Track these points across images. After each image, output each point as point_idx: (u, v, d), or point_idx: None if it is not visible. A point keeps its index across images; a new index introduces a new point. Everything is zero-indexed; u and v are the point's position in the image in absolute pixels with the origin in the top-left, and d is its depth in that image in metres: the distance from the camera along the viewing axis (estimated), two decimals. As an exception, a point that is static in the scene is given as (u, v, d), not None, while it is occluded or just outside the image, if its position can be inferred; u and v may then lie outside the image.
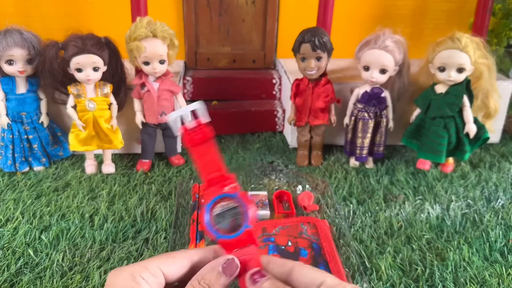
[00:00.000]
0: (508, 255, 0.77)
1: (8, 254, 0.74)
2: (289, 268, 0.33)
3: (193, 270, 0.35)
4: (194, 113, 0.35)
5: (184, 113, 0.35)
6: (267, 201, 0.88)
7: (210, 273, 0.32)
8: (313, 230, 0.76)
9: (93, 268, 0.72)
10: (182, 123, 0.35)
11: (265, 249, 0.71)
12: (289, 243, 0.72)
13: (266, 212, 0.86)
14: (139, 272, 0.34)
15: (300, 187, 0.96)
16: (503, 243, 0.80)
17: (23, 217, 0.85)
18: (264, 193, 0.91)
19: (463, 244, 0.79)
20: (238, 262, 0.33)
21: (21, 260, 0.73)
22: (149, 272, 0.34)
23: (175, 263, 0.35)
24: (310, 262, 0.68)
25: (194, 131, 0.35)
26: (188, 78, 1.26)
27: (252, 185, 0.97)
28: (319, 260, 0.68)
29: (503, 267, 0.74)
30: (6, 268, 0.71)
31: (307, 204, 0.88)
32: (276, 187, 0.96)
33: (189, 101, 1.27)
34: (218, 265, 0.33)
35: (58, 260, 0.73)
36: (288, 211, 0.86)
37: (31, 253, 0.75)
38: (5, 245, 0.77)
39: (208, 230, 0.33)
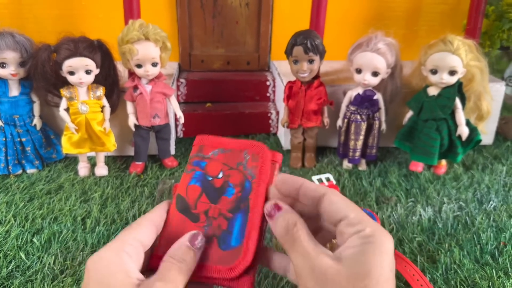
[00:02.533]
0: (499, 258, 0.78)
1: (0, 257, 0.74)
2: (300, 183, 0.37)
3: (158, 233, 0.38)
4: None
5: None
6: None
7: (179, 249, 0.35)
8: (254, 163, 0.52)
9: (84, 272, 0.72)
10: None
11: (190, 174, 0.52)
12: (220, 175, 0.53)
13: None
14: (121, 248, 0.34)
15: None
16: (494, 246, 0.81)
17: (15, 220, 0.85)
18: None
19: (454, 247, 0.80)
20: (201, 235, 0.38)
21: (13, 263, 0.73)
22: (129, 245, 0.34)
23: (146, 231, 0.37)
24: (231, 206, 0.49)
25: None
26: (182, 80, 1.26)
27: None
28: (241, 206, 0.49)
29: (494, 270, 0.74)
30: (-3, 271, 0.71)
31: None
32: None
33: (183, 103, 1.27)
34: (185, 241, 0.36)
35: (49, 263, 0.73)
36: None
37: (23, 256, 0.75)
38: (-4, 249, 0.77)
39: None
